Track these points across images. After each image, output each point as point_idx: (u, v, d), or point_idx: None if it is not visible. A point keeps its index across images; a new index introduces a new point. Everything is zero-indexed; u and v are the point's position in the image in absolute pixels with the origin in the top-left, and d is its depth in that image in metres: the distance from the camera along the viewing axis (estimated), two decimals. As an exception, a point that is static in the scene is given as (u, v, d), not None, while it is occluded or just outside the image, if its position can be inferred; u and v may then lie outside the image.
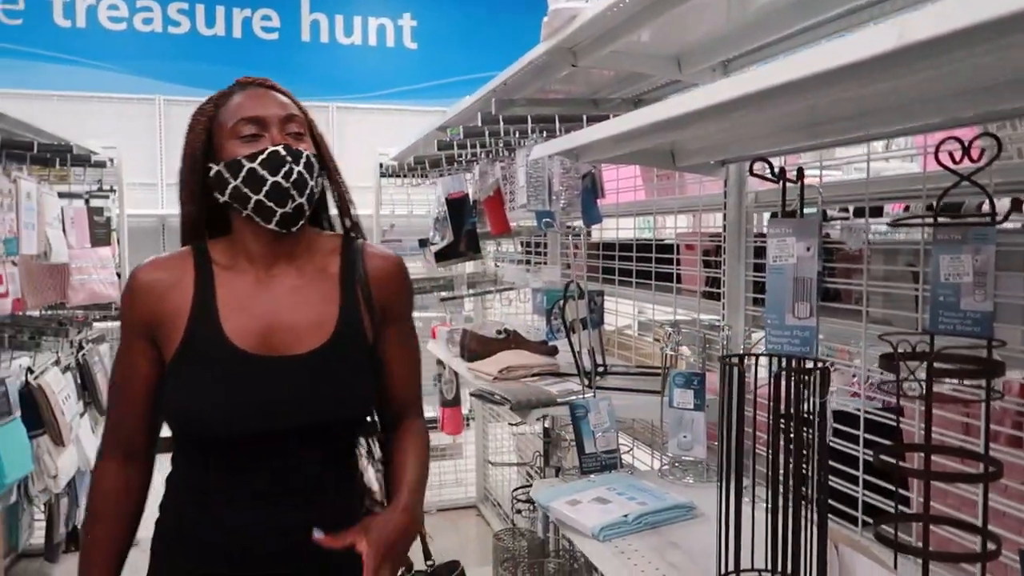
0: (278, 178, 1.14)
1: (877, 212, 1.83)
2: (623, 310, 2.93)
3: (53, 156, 2.95)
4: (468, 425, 4.30)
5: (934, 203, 1.24)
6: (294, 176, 1.15)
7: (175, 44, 5.72)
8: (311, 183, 1.18)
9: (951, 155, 1.23)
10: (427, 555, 1.48)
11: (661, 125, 1.31)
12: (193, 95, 4.71)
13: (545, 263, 3.30)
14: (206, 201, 1.21)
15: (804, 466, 1.20)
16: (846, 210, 2.39)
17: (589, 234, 3.05)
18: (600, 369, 2.34)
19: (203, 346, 1.16)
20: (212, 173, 1.18)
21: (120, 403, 1.24)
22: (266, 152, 1.15)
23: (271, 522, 1.18)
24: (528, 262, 3.53)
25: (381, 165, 4.41)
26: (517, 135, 2.24)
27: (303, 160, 1.17)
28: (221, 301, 1.18)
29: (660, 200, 2.55)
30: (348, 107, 6.19)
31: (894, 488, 1.26)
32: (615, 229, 2.90)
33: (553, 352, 2.57)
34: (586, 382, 1.98)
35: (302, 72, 6.03)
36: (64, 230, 3.07)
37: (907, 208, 1.93)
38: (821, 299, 1.75)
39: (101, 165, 3.45)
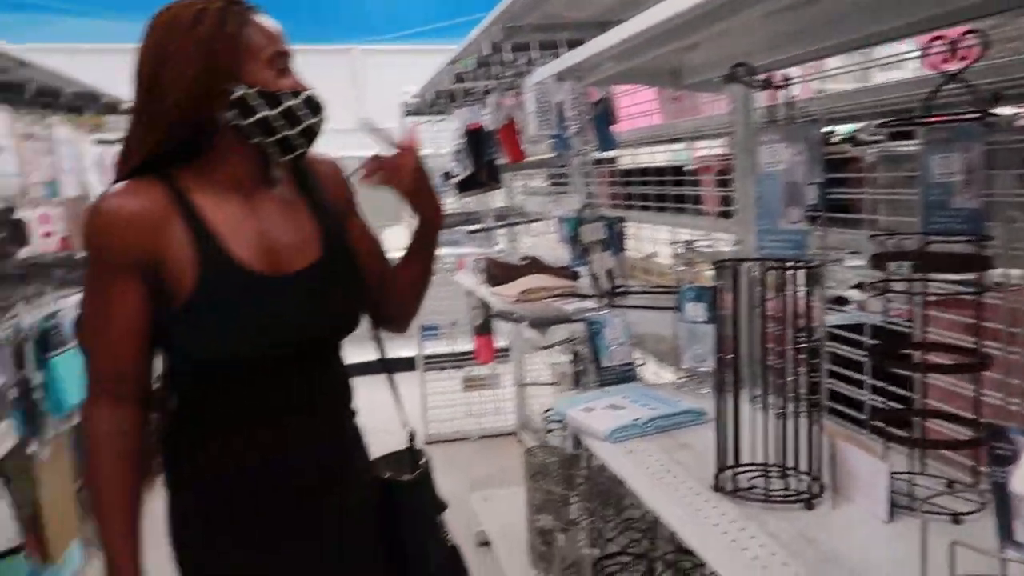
0: (312, 121, 1.19)
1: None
2: (652, 236, 2.96)
3: (83, 104, 3.05)
4: (501, 356, 4.43)
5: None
6: (320, 124, 1.21)
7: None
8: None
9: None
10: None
11: (653, 31, 1.33)
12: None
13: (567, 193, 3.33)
14: (194, 123, 1.15)
15: (800, 364, 1.26)
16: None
17: (612, 161, 3.07)
18: (619, 289, 2.40)
19: (218, 275, 1.16)
20: (235, 95, 1.14)
21: (106, 344, 1.17)
22: (305, 95, 1.19)
23: (312, 433, 1.26)
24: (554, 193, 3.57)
25: (405, 104, 4.45)
26: (527, 63, 2.27)
27: (323, 111, 1.22)
28: (217, 229, 1.17)
29: (675, 123, 2.55)
30: (371, 49, 6.20)
31: (885, 386, 1.32)
32: (649, 154, 2.90)
33: (574, 276, 2.64)
34: (603, 299, 2.04)
35: (322, 15, 6.04)
36: (101, 174, 3.20)
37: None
38: (830, 210, 1.78)
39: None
